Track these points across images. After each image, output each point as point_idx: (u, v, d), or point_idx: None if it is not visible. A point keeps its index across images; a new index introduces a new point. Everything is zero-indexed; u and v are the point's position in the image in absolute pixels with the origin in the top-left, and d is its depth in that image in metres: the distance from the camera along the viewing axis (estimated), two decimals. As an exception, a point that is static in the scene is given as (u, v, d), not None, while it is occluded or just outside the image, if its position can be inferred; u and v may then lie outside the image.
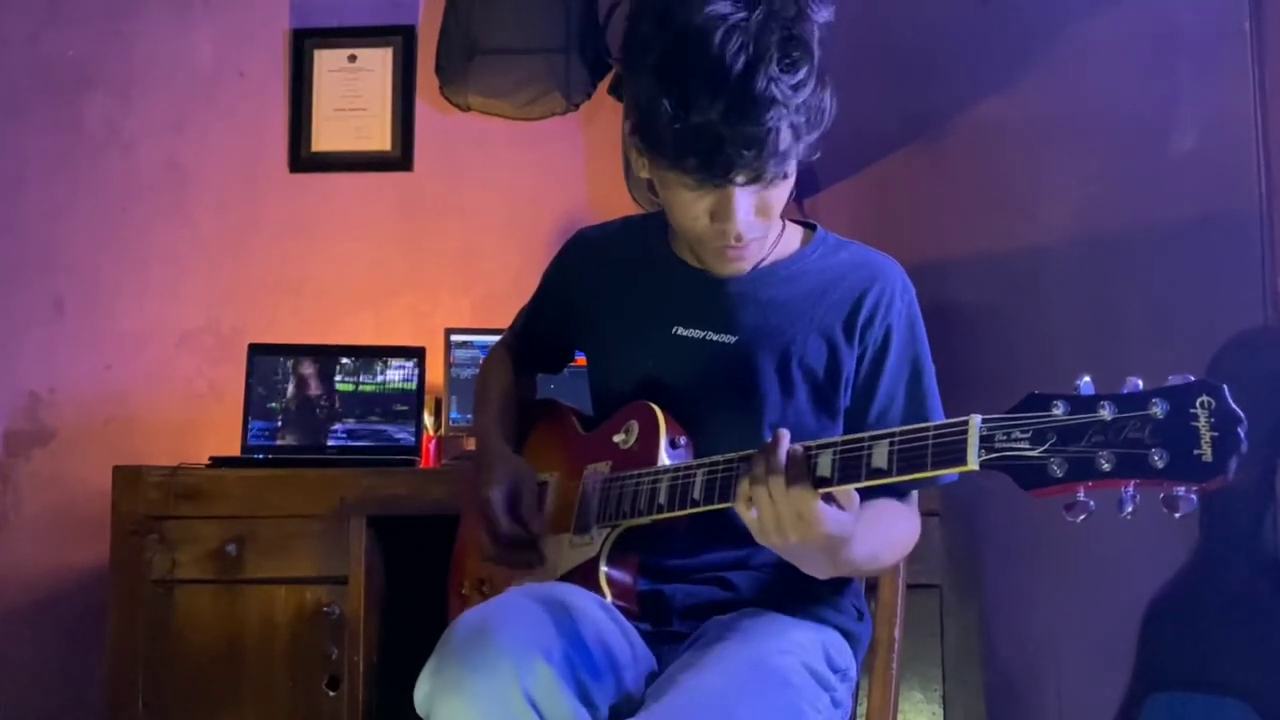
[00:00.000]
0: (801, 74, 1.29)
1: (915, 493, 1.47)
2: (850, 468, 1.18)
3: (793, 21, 1.29)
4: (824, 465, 1.19)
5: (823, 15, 1.33)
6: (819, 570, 1.31)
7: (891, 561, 1.45)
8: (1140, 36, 2.06)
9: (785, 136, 1.30)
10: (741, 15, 1.27)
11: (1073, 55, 2.18)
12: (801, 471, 1.18)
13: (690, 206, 1.38)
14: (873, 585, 1.55)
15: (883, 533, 1.37)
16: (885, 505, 1.38)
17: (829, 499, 1.20)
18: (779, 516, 1.19)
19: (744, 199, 1.35)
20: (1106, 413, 1.01)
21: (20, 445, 2.82)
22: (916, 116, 2.45)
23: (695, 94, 1.27)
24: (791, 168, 1.36)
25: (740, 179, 1.32)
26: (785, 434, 1.21)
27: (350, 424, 2.50)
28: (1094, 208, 2.11)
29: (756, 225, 1.40)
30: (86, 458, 2.73)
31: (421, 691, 1.22)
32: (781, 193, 1.39)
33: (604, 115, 2.84)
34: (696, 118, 1.28)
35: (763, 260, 1.51)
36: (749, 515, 1.21)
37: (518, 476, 1.54)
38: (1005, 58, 2.28)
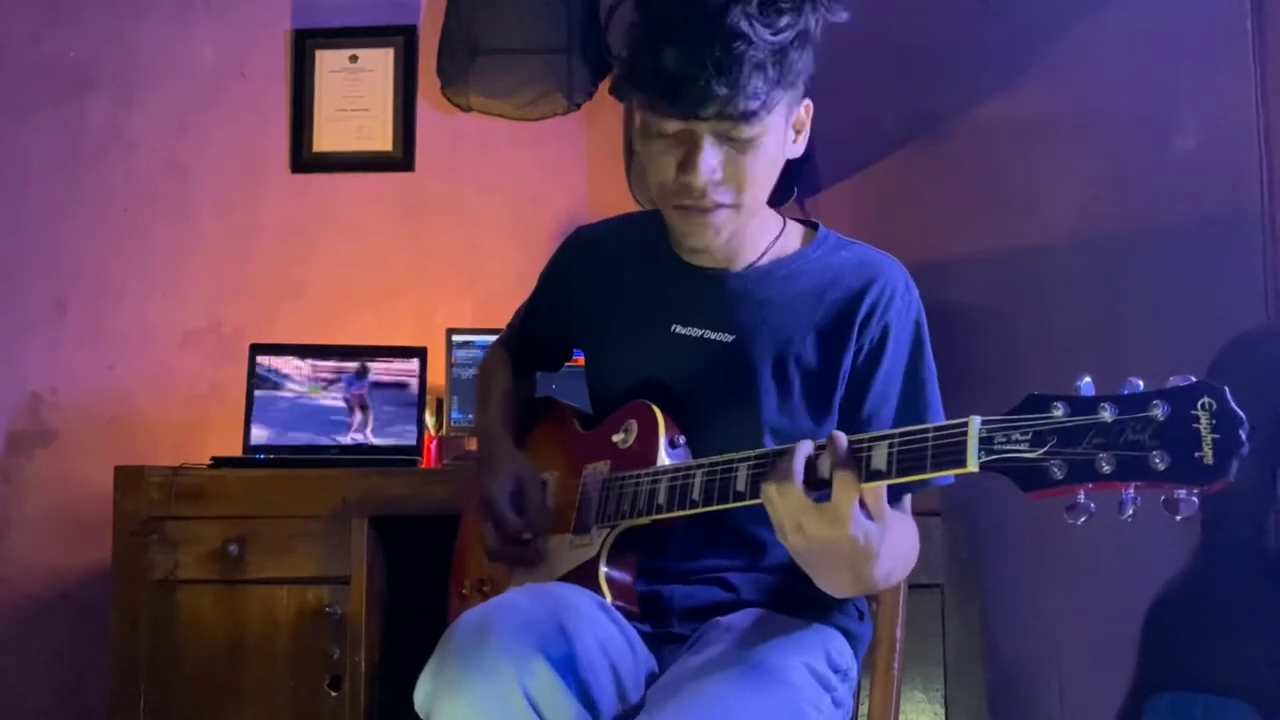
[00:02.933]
0: (782, 21, 1.30)
1: (908, 498, 1.46)
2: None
3: None
4: (823, 468, 1.19)
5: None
6: (838, 584, 1.27)
7: (901, 578, 1.43)
8: (1141, 36, 2.06)
9: (753, 76, 1.29)
10: None
11: (1073, 55, 2.17)
12: (851, 463, 1.16)
13: (662, 158, 1.38)
14: (874, 584, 1.55)
15: (894, 548, 1.31)
16: (895, 518, 1.34)
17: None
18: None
19: (710, 149, 1.35)
20: (1107, 414, 1.01)
21: (22, 445, 2.82)
22: (916, 116, 2.45)
23: (671, 27, 1.30)
24: (762, 127, 1.34)
25: (707, 112, 1.31)
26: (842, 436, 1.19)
27: (352, 424, 2.50)
28: (1094, 208, 2.11)
29: (724, 189, 1.38)
30: (88, 458, 2.73)
31: (422, 692, 1.22)
32: (754, 161, 1.37)
33: (605, 115, 2.84)
34: (669, 50, 1.30)
35: (762, 258, 1.50)
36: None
37: (522, 473, 1.54)
38: (1005, 58, 2.27)
